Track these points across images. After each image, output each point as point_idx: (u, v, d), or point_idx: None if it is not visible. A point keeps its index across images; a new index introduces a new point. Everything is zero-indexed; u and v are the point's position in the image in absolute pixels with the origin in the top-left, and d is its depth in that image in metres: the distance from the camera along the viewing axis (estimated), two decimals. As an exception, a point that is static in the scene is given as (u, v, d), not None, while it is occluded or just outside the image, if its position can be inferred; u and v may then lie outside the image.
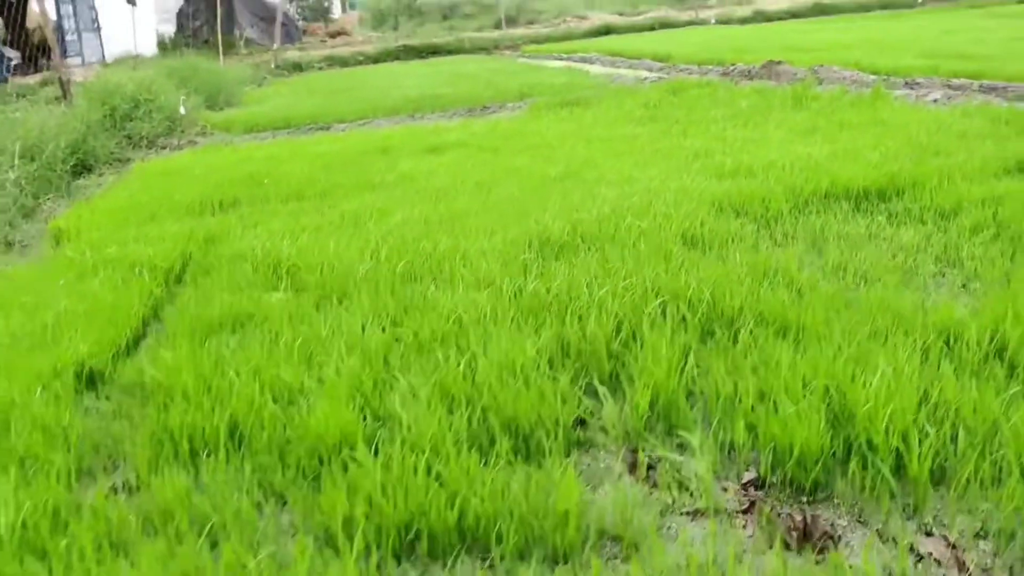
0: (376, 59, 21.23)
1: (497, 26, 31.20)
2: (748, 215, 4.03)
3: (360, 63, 20.97)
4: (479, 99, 10.77)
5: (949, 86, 7.56)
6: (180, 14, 33.11)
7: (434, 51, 21.55)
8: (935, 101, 6.77)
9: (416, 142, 7.43)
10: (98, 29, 24.69)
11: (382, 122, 9.87)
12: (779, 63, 10.17)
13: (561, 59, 18.19)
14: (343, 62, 20.91)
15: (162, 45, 30.88)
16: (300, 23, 42.45)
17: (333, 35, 36.58)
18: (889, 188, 4.25)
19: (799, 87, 7.85)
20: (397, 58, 21.23)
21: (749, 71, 10.52)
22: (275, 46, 20.93)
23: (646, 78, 11.17)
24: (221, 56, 19.43)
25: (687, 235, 3.72)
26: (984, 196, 3.91)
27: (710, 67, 11.84)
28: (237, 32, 32.79)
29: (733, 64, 11.32)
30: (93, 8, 24.39)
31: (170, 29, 32.22)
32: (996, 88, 7.36)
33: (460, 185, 5.30)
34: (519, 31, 25.57)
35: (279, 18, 22.03)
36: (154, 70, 12.28)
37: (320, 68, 20.45)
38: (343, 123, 10.11)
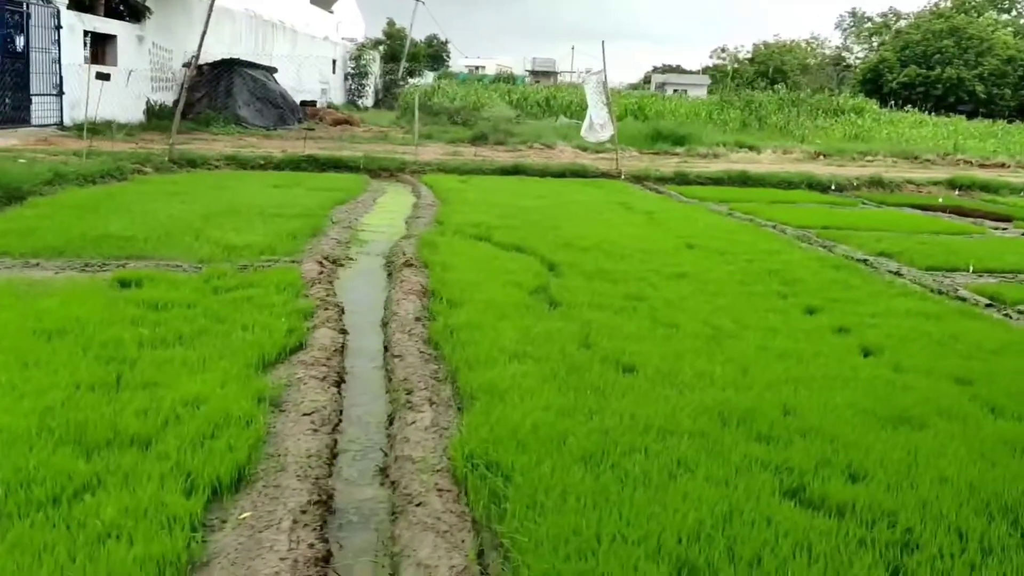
0: (279, 165, 21.18)
1: (478, 140, 31.20)
2: None
3: (261, 167, 20.94)
4: (173, 250, 9.61)
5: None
6: (184, 84, 34.40)
7: (336, 165, 21.37)
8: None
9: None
10: (60, 94, 25.73)
11: (47, 266, 8.68)
12: (412, 266, 9.27)
13: (419, 195, 17.57)
14: (242, 163, 20.90)
15: (153, 112, 32.14)
16: (312, 103, 43.35)
17: (338, 122, 37.34)
18: None
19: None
20: (299, 167, 21.13)
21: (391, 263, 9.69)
22: (173, 135, 21.03)
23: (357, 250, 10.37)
24: (87, 138, 19.62)
25: None
26: None
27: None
28: (234, 110, 33.97)
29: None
30: (58, 73, 25.49)
31: (168, 97, 33.39)
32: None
33: None
34: (443, 153, 25.28)
35: (181, 103, 22.27)
36: None
37: (216, 167, 20.48)
38: (37, 258, 8.92)
